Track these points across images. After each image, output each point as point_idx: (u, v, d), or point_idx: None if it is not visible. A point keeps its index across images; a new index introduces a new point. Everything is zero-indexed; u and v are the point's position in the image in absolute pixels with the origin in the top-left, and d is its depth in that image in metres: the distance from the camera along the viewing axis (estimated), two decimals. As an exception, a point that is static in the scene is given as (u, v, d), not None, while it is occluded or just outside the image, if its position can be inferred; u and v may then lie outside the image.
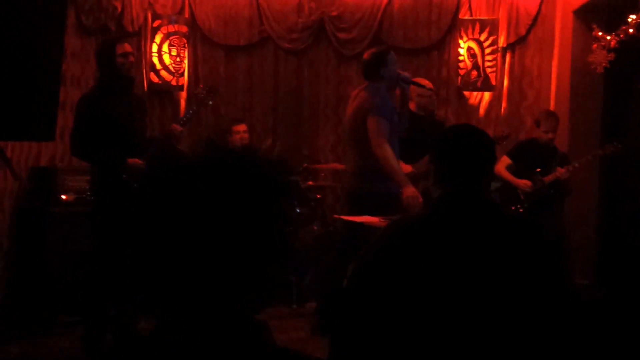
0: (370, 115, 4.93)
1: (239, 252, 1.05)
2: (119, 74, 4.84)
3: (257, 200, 1.07)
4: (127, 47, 4.93)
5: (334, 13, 7.68)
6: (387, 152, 4.86)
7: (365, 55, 5.30)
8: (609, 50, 6.23)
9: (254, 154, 1.13)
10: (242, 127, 7.07)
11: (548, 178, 6.09)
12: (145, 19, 7.43)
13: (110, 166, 4.70)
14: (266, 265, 1.08)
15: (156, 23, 7.51)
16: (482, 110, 7.70)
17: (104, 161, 4.73)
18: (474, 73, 7.59)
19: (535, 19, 7.38)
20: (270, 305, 6.08)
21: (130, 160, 4.69)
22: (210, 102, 5.56)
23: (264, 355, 1.12)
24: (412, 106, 5.92)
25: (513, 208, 6.17)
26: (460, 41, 7.61)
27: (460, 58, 7.63)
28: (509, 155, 6.39)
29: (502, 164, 6.31)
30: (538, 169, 6.14)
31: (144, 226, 1.07)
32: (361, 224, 4.47)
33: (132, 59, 4.92)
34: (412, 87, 5.52)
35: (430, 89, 6.12)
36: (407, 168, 5.71)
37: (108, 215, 4.65)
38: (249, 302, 1.10)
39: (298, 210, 6.61)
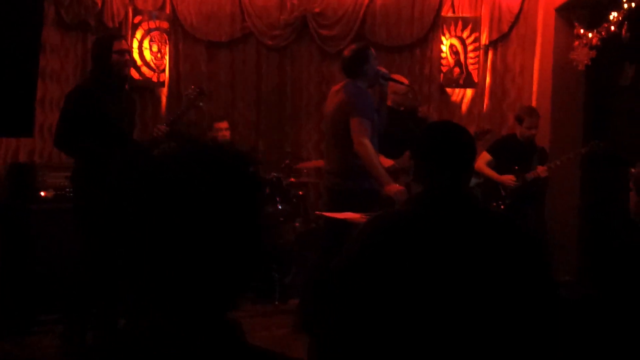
0: (353, 115, 4.89)
1: (212, 248, 1.03)
2: (113, 71, 4.79)
3: (231, 196, 1.05)
4: (124, 44, 4.90)
5: (317, 10, 7.66)
6: (370, 151, 4.85)
7: (346, 52, 5.23)
8: (591, 47, 6.25)
9: (227, 149, 1.11)
10: (223, 125, 7.07)
11: (529, 175, 6.10)
12: (126, 14, 7.36)
13: (97, 161, 4.65)
14: (240, 261, 1.07)
15: (137, 19, 7.45)
16: (464, 107, 7.72)
17: (91, 156, 4.67)
18: (457, 70, 7.60)
19: (517, 17, 7.39)
20: (252, 302, 6.07)
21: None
22: (201, 104, 5.54)
23: (239, 355, 1.10)
24: (388, 103, 5.90)
25: (494, 204, 6.18)
26: (443, 38, 7.62)
27: (443, 55, 7.64)
28: (489, 151, 6.40)
29: (482, 160, 6.32)
30: (516, 167, 6.16)
31: (121, 223, 1.06)
32: (344, 220, 4.45)
33: (127, 57, 4.88)
34: (389, 83, 5.47)
35: (406, 86, 6.10)
36: (388, 162, 5.72)
37: (91, 211, 4.61)
38: (223, 299, 1.08)
39: (280, 207, 6.59)
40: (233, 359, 1.09)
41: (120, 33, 6.95)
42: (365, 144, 4.85)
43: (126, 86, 5.14)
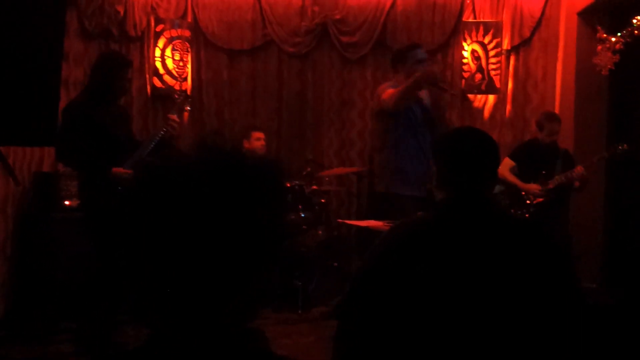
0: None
1: (226, 255, 1.02)
2: (117, 94, 5.00)
3: (246, 203, 1.03)
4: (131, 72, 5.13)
5: (337, 16, 7.66)
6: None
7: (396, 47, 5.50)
8: (614, 52, 6.19)
9: (246, 155, 1.09)
10: (261, 135, 7.09)
11: (554, 182, 6.04)
12: (148, 23, 7.41)
13: (97, 173, 4.70)
14: (253, 270, 1.05)
15: (159, 27, 7.49)
16: (486, 113, 7.68)
17: (91, 168, 4.72)
18: (478, 76, 7.56)
19: (539, 21, 7.34)
20: (275, 310, 6.07)
21: (115, 170, 4.71)
22: (188, 108, 5.67)
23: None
24: None
25: (519, 212, 6.12)
26: (464, 44, 7.58)
27: (464, 61, 7.61)
28: (512, 157, 6.34)
29: (505, 167, 6.26)
30: (544, 172, 6.09)
31: (130, 229, 1.04)
32: (366, 228, 4.45)
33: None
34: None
35: (451, 93, 6.20)
36: None
37: (100, 221, 4.64)
38: (238, 309, 1.06)
39: (302, 215, 6.58)
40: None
41: (126, 41, 7.09)
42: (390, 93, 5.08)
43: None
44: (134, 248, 1.03)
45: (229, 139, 7.40)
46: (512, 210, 6.07)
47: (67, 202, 5.62)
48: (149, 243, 1.01)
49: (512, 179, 6.22)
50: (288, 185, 6.63)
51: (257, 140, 7.04)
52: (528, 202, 6.12)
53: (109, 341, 4.72)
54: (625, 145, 5.93)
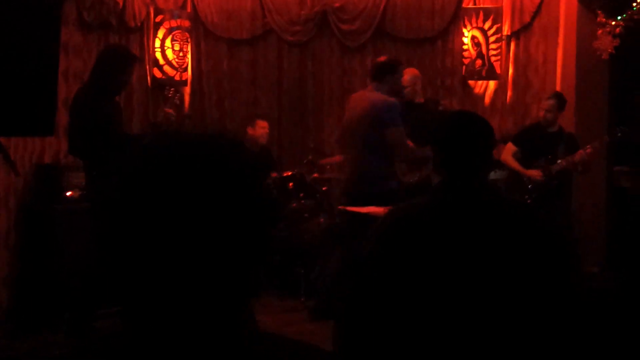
0: (390, 128, 5.08)
1: (212, 244, 1.01)
2: (120, 87, 5.09)
3: (231, 189, 1.03)
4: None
5: (337, 4, 7.65)
6: (416, 151, 5.30)
7: (380, 58, 5.51)
8: (614, 35, 6.18)
9: (233, 146, 1.08)
10: (265, 124, 7.14)
11: (555, 167, 6.03)
12: (148, 14, 7.40)
13: (108, 164, 4.72)
14: (241, 260, 1.04)
15: (158, 18, 7.49)
16: (487, 99, 7.67)
17: (104, 160, 4.74)
18: (479, 62, 7.55)
19: (539, 6, 7.32)
20: (278, 298, 6.09)
21: None
22: (177, 101, 5.85)
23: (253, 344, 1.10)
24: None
25: (521, 197, 6.11)
26: (464, 30, 7.57)
27: (465, 47, 7.59)
28: (514, 142, 6.33)
29: (508, 152, 6.26)
30: (549, 156, 6.07)
31: (116, 217, 1.04)
32: (366, 214, 4.45)
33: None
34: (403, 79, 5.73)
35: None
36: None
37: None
38: (228, 300, 1.05)
39: (303, 203, 6.59)
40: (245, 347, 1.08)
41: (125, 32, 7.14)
42: (412, 149, 5.27)
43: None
44: (117, 236, 1.03)
45: (229, 128, 7.42)
46: (516, 196, 6.06)
47: (68, 194, 5.63)
48: (134, 231, 1.01)
49: (514, 164, 6.22)
50: (289, 173, 6.64)
51: (262, 129, 7.08)
52: (530, 186, 6.11)
53: (93, 329, 4.76)
54: (626, 128, 5.93)
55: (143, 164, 1.03)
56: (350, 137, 5.35)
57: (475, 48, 7.56)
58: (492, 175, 6.23)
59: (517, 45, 7.56)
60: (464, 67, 7.61)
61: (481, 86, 7.70)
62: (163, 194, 0.99)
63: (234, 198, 1.02)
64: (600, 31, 6.30)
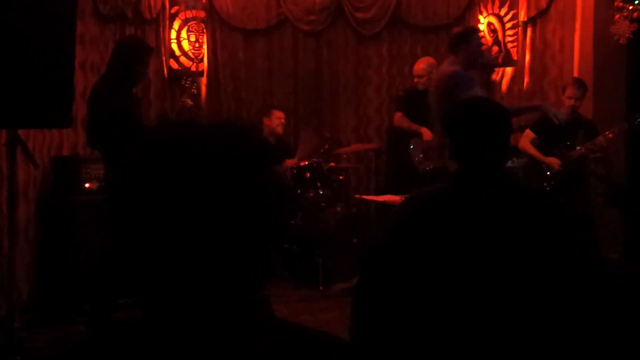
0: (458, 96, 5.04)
1: (224, 231, 1.01)
2: (137, 79, 5.12)
3: (241, 175, 1.03)
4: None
5: (351, -7, 7.63)
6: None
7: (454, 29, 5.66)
8: (632, 20, 6.12)
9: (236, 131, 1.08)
10: (281, 114, 7.16)
11: (574, 154, 5.98)
12: (163, 5, 7.42)
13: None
14: (254, 245, 1.04)
15: (174, 9, 7.51)
16: (504, 86, 7.62)
17: (122, 152, 4.78)
18: (495, 48, 7.51)
19: (555, -9, 7.26)
20: (295, 287, 6.10)
21: None
22: (194, 90, 5.90)
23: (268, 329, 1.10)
24: (420, 87, 6.45)
25: (541, 184, 6.08)
26: (480, 17, 7.53)
27: (481, 34, 7.53)
28: (532, 128, 6.29)
29: (527, 139, 6.22)
30: (567, 142, 6.03)
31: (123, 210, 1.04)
32: (383, 202, 4.46)
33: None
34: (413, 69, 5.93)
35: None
36: (429, 135, 5.88)
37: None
38: (241, 286, 1.05)
39: (321, 192, 6.60)
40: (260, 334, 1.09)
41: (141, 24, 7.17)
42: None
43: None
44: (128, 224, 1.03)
45: (246, 118, 7.45)
46: (531, 183, 6.03)
47: (87, 185, 5.67)
48: (142, 228, 1.01)
49: (532, 151, 6.18)
50: (306, 163, 6.65)
51: (278, 119, 7.10)
52: (549, 173, 6.07)
53: (113, 320, 4.81)
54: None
55: (153, 154, 1.03)
56: (433, 119, 5.46)
57: (491, 35, 7.52)
58: (510, 163, 6.20)
59: (533, 31, 7.49)
60: (480, 54, 7.57)
61: (498, 73, 7.66)
62: (172, 184, 0.99)
63: (245, 183, 1.02)
64: (617, 16, 6.24)
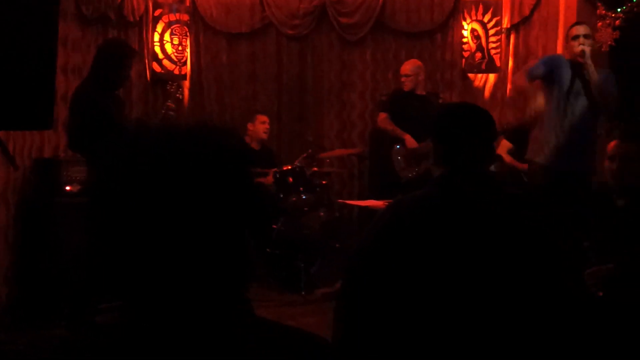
0: None
1: (203, 231, 1.01)
2: (120, 82, 5.10)
3: (219, 177, 1.03)
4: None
5: (336, -2, 7.64)
6: None
7: None
8: (614, 28, 6.15)
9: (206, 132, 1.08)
10: (265, 119, 7.14)
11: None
12: (146, 8, 7.39)
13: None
14: (234, 246, 1.04)
15: (157, 12, 7.48)
16: (487, 93, 7.65)
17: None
18: (478, 55, 7.53)
19: (538, -1, 7.30)
20: (278, 292, 6.08)
21: None
22: (179, 95, 6.04)
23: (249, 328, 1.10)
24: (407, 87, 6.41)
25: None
26: (464, 23, 7.55)
27: (464, 40, 7.58)
28: (508, 138, 6.31)
29: (503, 149, 6.25)
30: None
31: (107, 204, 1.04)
32: (366, 207, 4.46)
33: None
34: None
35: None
36: (414, 144, 5.84)
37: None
38: (223, 287, 1.05)
39: (303, 197, 6.58)
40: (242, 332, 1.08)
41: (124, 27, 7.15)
42: None
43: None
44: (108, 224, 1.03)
45: (229, 123, 7.42)
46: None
47: (68, 188, 5.63)
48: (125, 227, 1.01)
49: (509, 160, 6.20)
50: (289, 167, 6.63)
51: (262, 124, 7.08)
52: (526, 179, 6.09)
53: (94, 324, 4.77)
54: (621, 123, 5.91)
55: (132, 157, 1.03)
56: None
57: (474, 41, 7.54)
58: (492, 167, 6.22)
59: (516, 38, 7.53)
60: (463, 60, 7.60)
61: (481, 79, 7.69)
62: (153, 186, 0.99)
63: (223, 184, 1.02)
64: (600, 23, 6.27)
